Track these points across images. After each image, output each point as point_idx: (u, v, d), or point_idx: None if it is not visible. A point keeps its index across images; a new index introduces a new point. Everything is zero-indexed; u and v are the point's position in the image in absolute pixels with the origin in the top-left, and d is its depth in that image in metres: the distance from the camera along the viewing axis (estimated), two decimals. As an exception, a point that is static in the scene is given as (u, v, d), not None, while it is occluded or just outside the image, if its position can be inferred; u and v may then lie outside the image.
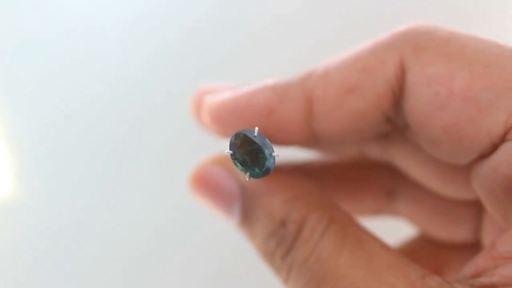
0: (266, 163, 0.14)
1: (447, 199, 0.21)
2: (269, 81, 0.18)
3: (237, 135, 0.15)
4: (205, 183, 0.19)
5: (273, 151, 0.14)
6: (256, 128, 0.14)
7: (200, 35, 0.41)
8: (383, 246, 0.16)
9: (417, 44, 0.16)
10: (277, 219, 0.17)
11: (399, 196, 0.23)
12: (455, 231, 0.22)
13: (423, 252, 0.23)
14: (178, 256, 0.35)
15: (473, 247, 0.22)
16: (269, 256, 0.17)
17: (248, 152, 0.15)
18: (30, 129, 0.39)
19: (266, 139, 0.15)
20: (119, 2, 0.44)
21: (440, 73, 0.15)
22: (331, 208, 0.17)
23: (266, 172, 0.15)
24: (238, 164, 0.15)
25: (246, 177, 0.15)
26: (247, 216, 0.18)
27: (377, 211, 0.24)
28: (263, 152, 0.14)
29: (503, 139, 0.15)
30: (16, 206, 0.37)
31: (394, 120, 0.18)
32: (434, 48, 0.16)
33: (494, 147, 0.16)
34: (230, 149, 0.15)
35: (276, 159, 0.15)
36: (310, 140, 0.19)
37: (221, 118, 0.18)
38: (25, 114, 0.40)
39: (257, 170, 0.15)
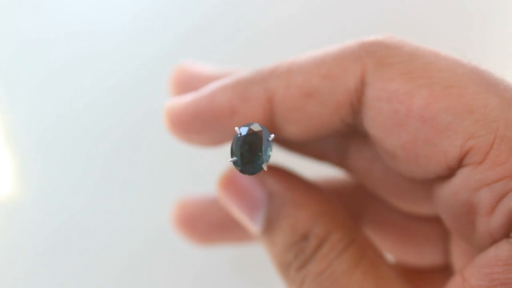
0: (259, 162, 0.14)
1: (413, 221, 0.21)
2: (230, 79, 0.18)
3: (250, 130, 0.15)
4: (233, 187, 0.19)
5: (267, 156, 0.14)
6: (272, 135, 0.14)
7: (200, 37, 0.41)
8: (396, 274, 0.16)
9: (381, 58, 0.16)
10: (300, 231, 0.17)
11: (366, 222, 0.23)
12: (425, 255, 0.22)
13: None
14: (177, 255, 0.35)
15: (446, 270, 0.21)
16: (285, 267, 0.18)
17: (249, 146, 0.15)
18: (30, 129, 0.39)
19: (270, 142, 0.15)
20: (118, 4, 0.44)
21: (400, 90, 0.15)
22: (353, 229, 0.17)
23: (252, 173, 0.14)
24: (235, 148, 0.15)
25: (233, 167, 0.15)
26: (270, 224, 0.18)
27: None
28: (262, 151, 0.14)
29: (459, 164, 0.15)
30: (15, 205, 0.37)
31: (353, 125, 0.18)
32: (396, 65, 0.16)
33: (450, 170, 0.16)
34: (239, 136, 0.15)
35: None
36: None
37: (183, 121, 0.19)
38: (25, 114, 0.40)
39: (248, 166, 0.15)
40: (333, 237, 0.17)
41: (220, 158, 0.36)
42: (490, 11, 0.41)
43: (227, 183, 0.20)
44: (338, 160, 0.21)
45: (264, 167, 0.14)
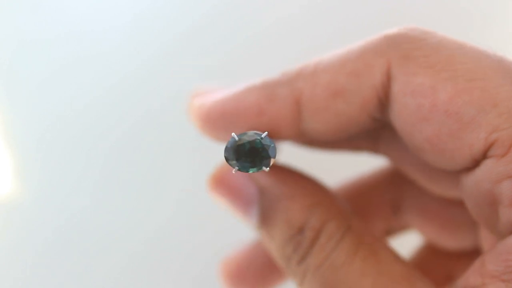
0: (263, 163, 0.14)
1: (449, 205, 0.21)
2: (258, 80, 0.18)
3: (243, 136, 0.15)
4: (224, 185, 0.19)
5: (273, 156, 0.14)
6: (265, 132, 0.14)
7: (200, 37, 0.41)
8: (396, 257, 0.16)
9: (405, 51, 0.16)
10: (296, 225, 0.17)
11: (405, 207, 0.23)
12: (461, 238, 0.22)
13: (434, 261, 0.23)
14: (177, 255, 0.35)
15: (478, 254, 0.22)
16: (286, 261, 0.18)
17: (249, 150, 0.15)
18: (30, 129, 0.39)
19: (271, 141, 0.15)
20: (118, 4, 0.44)
21: (424, 84, 0.15)
22: (349, 217, 0.17)
23: (258, 169, 0.15)
24: (230, 153, 0.15)
25: (233, 170, 0.15)
26: (265, 219, 0.18)
27: (388, 231, 0.24)
28: (266, 154, 0.14)
29: (484, 156, 0.15)
30: (15, 205, 0.37)
31: (382, 119, 0.18)
32: (421, 58, 0.16)
33: (475, 162, 0.16)
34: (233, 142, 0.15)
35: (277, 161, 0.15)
36: (300, 138, 0.19)
37: (211, 120, 0.19)
38: (24, 114, 0.40)
39: (249, 170, 0.15)
40: (329, 227, 0.17)
41: (220, 158, 0.37)
42: (490, 11, 0.41)
43: (217, 181, 0.20)
44: (371, 149, 0.21)
45: (266, 169, 0.14)
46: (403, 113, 0.16)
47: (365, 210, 0.23)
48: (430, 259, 0.23)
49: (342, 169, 0.25)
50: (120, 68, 0.40)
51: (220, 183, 0.20)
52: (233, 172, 0.15)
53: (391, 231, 0.24)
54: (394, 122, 0.17)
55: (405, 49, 0.16)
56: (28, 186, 0.38)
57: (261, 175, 0.18)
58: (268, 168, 0.14)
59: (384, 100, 0.17)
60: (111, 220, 0.36)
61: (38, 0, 0.43)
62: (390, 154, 0.21)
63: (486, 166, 0.15)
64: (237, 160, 0.14)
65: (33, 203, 0.37)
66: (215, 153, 0.38)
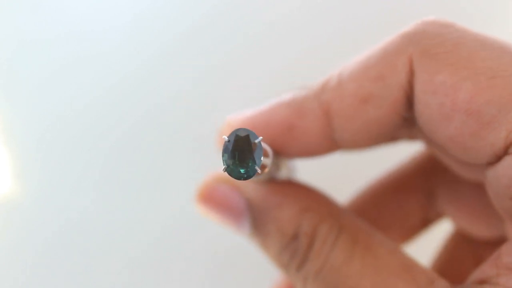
0: (251, 166, 0.14)
1: (485, 194, 0.22)
2: (285, 96, 0.18)
3: (237, 132, 0.14)
4: (212, 200, 0.19)
5: (260, 164, 0.14)
6: (261, 137, 0.14)
7: (200, 37, 0.41)
8: (392, 250, 0.16)
9: (425, 48, 0.16)
10: (288, 233, 0.17)
11: (439, 195, 0.23)
12: (491, 227, 0.22)
13: (463, 250, 0.23)
14: (177, 256, 0.35)
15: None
16: (284, 268, 0.18)
17: (240, 151, 0.14)
18: (30, 128, 0.39)
19: (263, 149, 0.14)
20: (118, 4, 0.44)
21: (445, 83, 0.15)
22: (340, 216, 0.17)
23: (246, 178, 0.14)
24: (225, 156, 0.15)
25: (222, 169, 0.15)
26: (258, 230, 0.18)
27: (424, 221, 0.24)
28: (253, 161, 0.14)
29: (505, 152, 0.15)
30: (14, 205, 0.37)
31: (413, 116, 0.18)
32: (441, 55, 0.16)
33: (497, 158, 0.16)
34: (227, 139, 0.14)
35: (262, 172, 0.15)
36: (333, 148, 0.19)
37: None
38: (24, 113, 0.40)
39: (241, 170, 0.14)
40: (322, 231, 0.17)
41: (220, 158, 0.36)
42: (490, 11, 0.41)
43: (205, 197, 0.20)
44: (408, 136, 0.21)
45: (258, 170, 0.14)
46: (425, 112, 0.16)
47: (402, 200, 0.23)
48: (460, 248, 0.23)
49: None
50: (120, 68, 0.40)
51: (207, 198, 0.19)
52: (222, 171, 0.15)
53: (428, 222, 0.24)
54: (417, 119, 0.17)
55: (425, 45, 0.16)
56: (27, 186, 0.38)
57: (247, 186, 0.18)
58: (260, 170, 0.14)
59: (412, 99, 0.17)
60: (110, 220, 0.36)
61: (38, 0, 0.43)
62: (424, 143, 0.21)
63: (506, 161, 0.15)
64: (232, 162, 0.14)
65: (32, 203, 0.37)
66: (215, 153, 0.38)
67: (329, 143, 0.18)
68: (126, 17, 0.43)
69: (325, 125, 0.18)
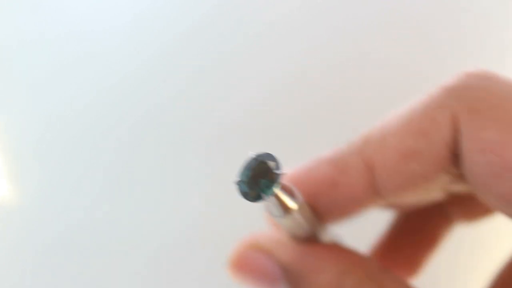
0: (260, 190, 0.14)
1: None
2: (326, 154, 0.18)
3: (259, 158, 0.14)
4: (245, 267, 0.19)
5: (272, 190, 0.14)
6: (282, 170, 0.14)
7: (200, 37, 0.41)
8: None
9: (469, 103, 0.15)
10: None
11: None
12: None
13: None
14: (176, 259, 0.35)
15: None
16: None
17: (258, 172, 0.14)
18: (25, 131, 0.39)
19: (287, 187, 0.14)
20: (119, 4, 0.44)
21: (493, 140, 0.15)
22: (381, 278, 0.17)
23: (255, 199, 0.14)
24: (243, 170, 0.14)
25: (235, 184, 0.15)
26: None
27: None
28: (266, 186, 0.14)
29: None
30: (10, 210, 0.36)
31: (459, 172, 0.17)
32: (486, 110, 0.15)
33: None
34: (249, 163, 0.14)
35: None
36: (376, 203, 0.18)
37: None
38: (20, 116, 0.40)
39: (250, 190, 0.14)
40: None
41: (222, 158, 0.36)
42: (490, 11, 0.41)
43: (238, 264, 0.19)
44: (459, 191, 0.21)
45: (265, 196, 0.14)
46: (474, 170, 0.16)
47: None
48: None
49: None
50: (120, 68, 0.40)
51: (241, 266, 0.19)
52: (234, 183, 0.14)
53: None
54: (466, 176, 0.16)
55: (468, 101, 0.16)
56: (23, 190, 0.37)
57: (282, 250, 0.18)
58: (267, 197, 0.14)
59: (458, 155, 0.16)
60: (109, 224, 0.36)
61: (38, 0, 0.43)
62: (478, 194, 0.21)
63: None
64: (247, 181, 0.14)
65: (29, 207, 0.36)
66: (215, 153, 0.38)
67: (373, 199, 0.18)
68: (126, 17, 0.43)
69: (368, 180, 0.17)
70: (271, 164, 0.14)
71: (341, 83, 0.39)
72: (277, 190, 0.14)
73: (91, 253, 0.35)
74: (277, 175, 0.14)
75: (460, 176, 0.17)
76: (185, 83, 0.40)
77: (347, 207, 0.18)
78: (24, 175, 0.38)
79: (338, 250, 0.18)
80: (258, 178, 0.14)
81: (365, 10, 0.41)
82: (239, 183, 0.14)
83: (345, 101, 0.38)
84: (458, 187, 0.20)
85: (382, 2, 0.42)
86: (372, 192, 0.18)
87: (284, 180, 0.14)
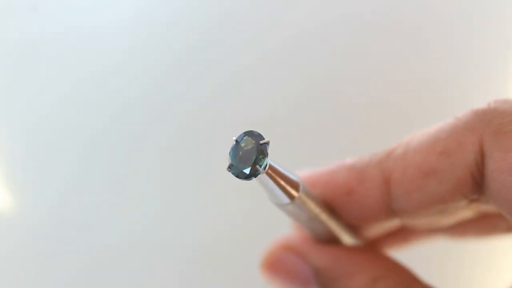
0: (254, 167, 0.14)
1: None
2: (348, 160, 0.18)
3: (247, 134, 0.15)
4: (277, 269, 0.19)
5: (264, 164, 0.14)
6: (267, 140, 0.14)
7: (200, 37, 0.41)
8: None
9: (497, 127, 0.16)
10: None
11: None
12: None
13: None
14: (175, 262, 0.35)
15: None
16: None
17: (243, 152, 0.15)
18: (20, 137, 0.38)
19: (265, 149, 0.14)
20: (119, 4, 0.44)
21: None
22: (416, 286, 0.17)
23: (248, 177, 0.14)
24: (231, 155, 0.15)
25: (227, 167, 0.15)
26: None
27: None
28: (255, 156, 0.14)
29: None
30: (4, 217, 0.36)
31: (477, 199, 0.17)
32: None
33: None
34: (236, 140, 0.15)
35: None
36: (389, 218, 0.19)
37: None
38: (14, 122, 0.39)
39: (244, 170, 0.14)
40: None
41: (222, 158, 0.36)
42: (490, 11, 0.41)
43: (271, 266, 0.19)
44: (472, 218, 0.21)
45: (260, 170, 0.14)
46: (502, 191, 0.16)
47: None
48: None
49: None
50: (120, 68, 0.40)
51: (274, 267, 0.19)
52: (226, 170, 0.15)
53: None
54: (493, 200, 0.16)
55: (497, 124, 0.16)
56: (17, 197, 0.37)
57: (315, 253, 0.18)
58: (263, 169, 0.14)
59: (479, 180, 0.16)
60: (104, 231, 0.35)
61: (38, 0, 0.43)
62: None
63: None
64: (236, 164, 0.14)
65: (23, 214, 0.36)
66: (215, 154, 0.38)
67: (386, 212, 0.18)
68: (126, 17, 0.43)
69: (384, 193, 0.17)
70: (255, 139, 0.14)
71: (352, 90, 0.39)
72: (269, 161, 0.14)
73: (88, 259, 0.35)
74: (264, 146, 0.14)
75: (475, 201, 0.17)
76: (185, 83, 0.40)
77: (359, 216, 0.18)
78: (20, 181, 0.37)
79: (372, 255, 0.18)
80: (249, 156, 0.14)
81: (365, 10, 0.41)
82: (231, 167, 0.14)
83: (360, 109, 0.38)
84: (469, 214, 0.20)
85: (382, 2, 0.42)
86: (385, 205, 0.18)
87: (306, 184, 0.14)
